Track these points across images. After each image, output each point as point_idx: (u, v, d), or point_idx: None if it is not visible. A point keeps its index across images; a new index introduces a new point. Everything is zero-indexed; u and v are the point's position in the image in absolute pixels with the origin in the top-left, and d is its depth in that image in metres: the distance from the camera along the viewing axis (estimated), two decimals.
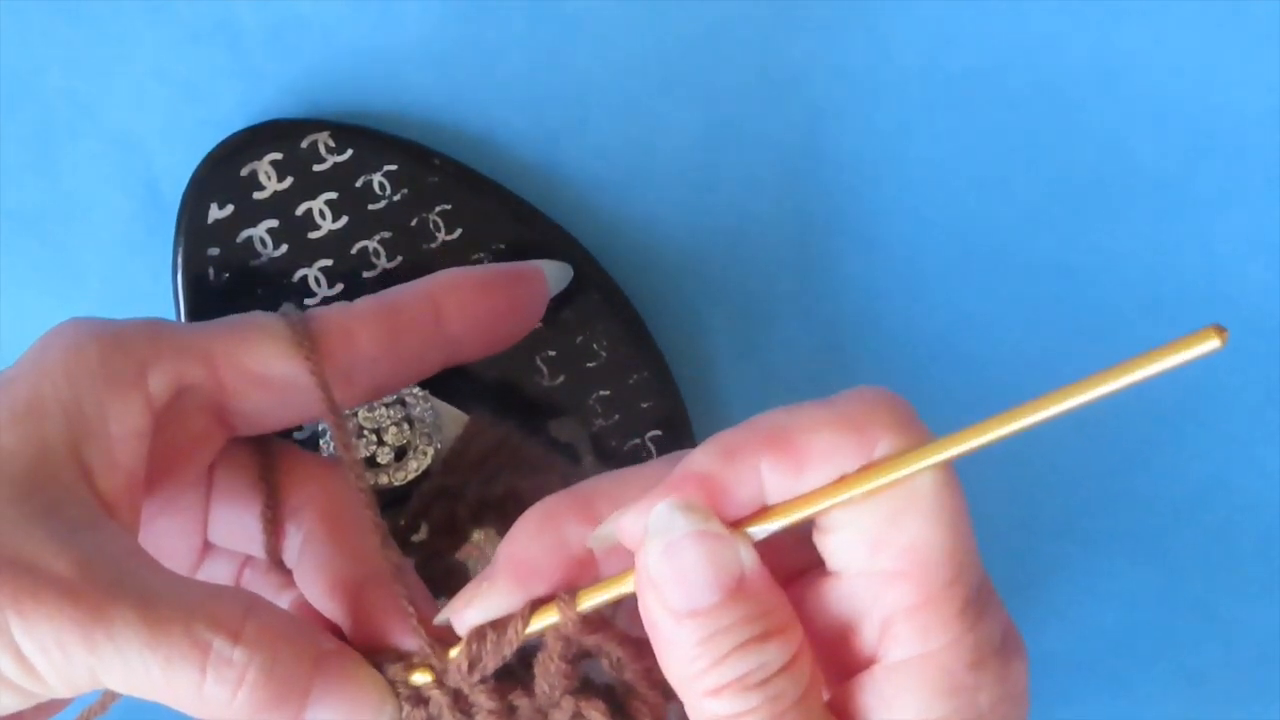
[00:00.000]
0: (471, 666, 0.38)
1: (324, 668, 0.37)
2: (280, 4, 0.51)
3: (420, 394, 0.49)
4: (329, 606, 0.41)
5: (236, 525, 0.43)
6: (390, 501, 0.47)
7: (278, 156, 0.50)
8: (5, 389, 0.38)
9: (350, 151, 0.50)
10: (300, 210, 0.50)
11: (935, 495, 0.33)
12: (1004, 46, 0.52)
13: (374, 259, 0.50)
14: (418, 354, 0.42)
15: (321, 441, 0.49)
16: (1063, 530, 0.55)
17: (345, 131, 0.50)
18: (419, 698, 0.38)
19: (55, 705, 0.39)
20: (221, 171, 0.49)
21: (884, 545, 0.34)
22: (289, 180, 0.50)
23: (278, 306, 0.42)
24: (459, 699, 0.38)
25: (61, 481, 0.37)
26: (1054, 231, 0.53)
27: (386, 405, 0.49)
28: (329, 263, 0.50)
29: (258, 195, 0.50)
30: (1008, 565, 0.55)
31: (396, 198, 0.50)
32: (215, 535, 0.43)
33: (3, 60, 0.51)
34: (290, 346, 0.40)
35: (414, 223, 0.50)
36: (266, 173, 0.50)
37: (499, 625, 0.37)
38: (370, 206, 0.50)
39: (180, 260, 0.50)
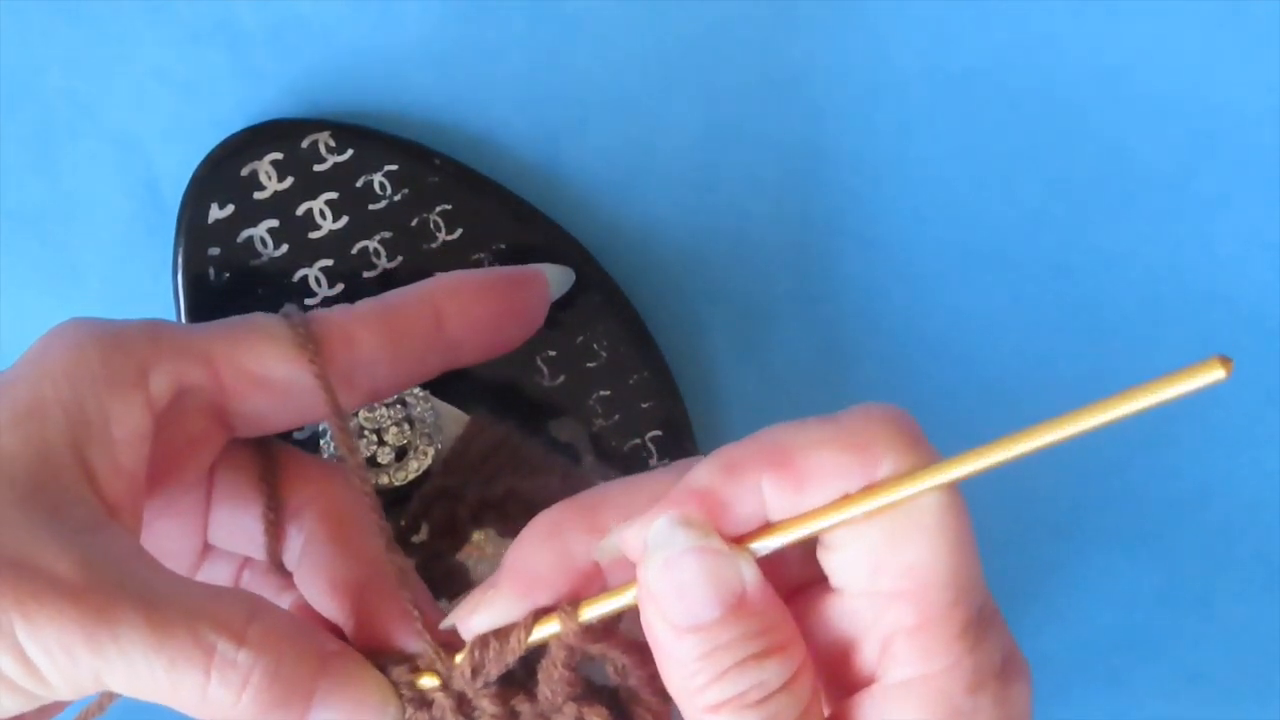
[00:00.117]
0: (475, 673, 0.38)
1: (328, 669, 0.37)
2: (280, 4, 0.51)
3: (421, 394, 0.49)
4: (330, 608, 0.41)
5: (237, 527, 0.43)
6: (390, 502, 0.47)
7: (278, 156, 0.50)
8: (6, 390, 0.38)
9: (351, 151, 0.50)
10: (301, 210, 0.50)
11: (938, 517, 0.33)
12: (1004, 46, 0.52)
13: (374, 259, 0.50)
14: (418, 357, 0.42)
15: (322, 442, 0.49)
16: (1061, 530, 0.56)
17: (346, 131, 0.50)
18: (423, 700, 0.38)
19: (56, 707, 0.39)
20: (222, 171, 0.49)
21: (885, 565, 0.34)
22: (289, 180, 0.50)
23: (278, 307, 0.42)
24: (462, 702, 0.38)
25: (64, 483, 0.36)
26: (1054, 231, 0.53)
27: (387, 405, 0.49)
28: (329, 263, 0.50)
29: (258, 195, 0.50)
30: (1007, 565, 0.55)
31: (397, 198, 0.50)
32: (215, 537, 0.43)
33: (3, 60, 0.51)
34: (291, 348, 0.40)
35: (414, 223, 0.50)
36: (267, 173, 0.50)
37: (502, 634, 0.37)
38: (371, 206, 0.50)
39: (180, 260, 0.50)
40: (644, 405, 0.51)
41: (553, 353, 0.51)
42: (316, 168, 0.50)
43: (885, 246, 0.53)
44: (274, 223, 0.50)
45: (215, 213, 0.49)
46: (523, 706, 0.38)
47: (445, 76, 0.51)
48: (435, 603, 0.41)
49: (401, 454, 0.49)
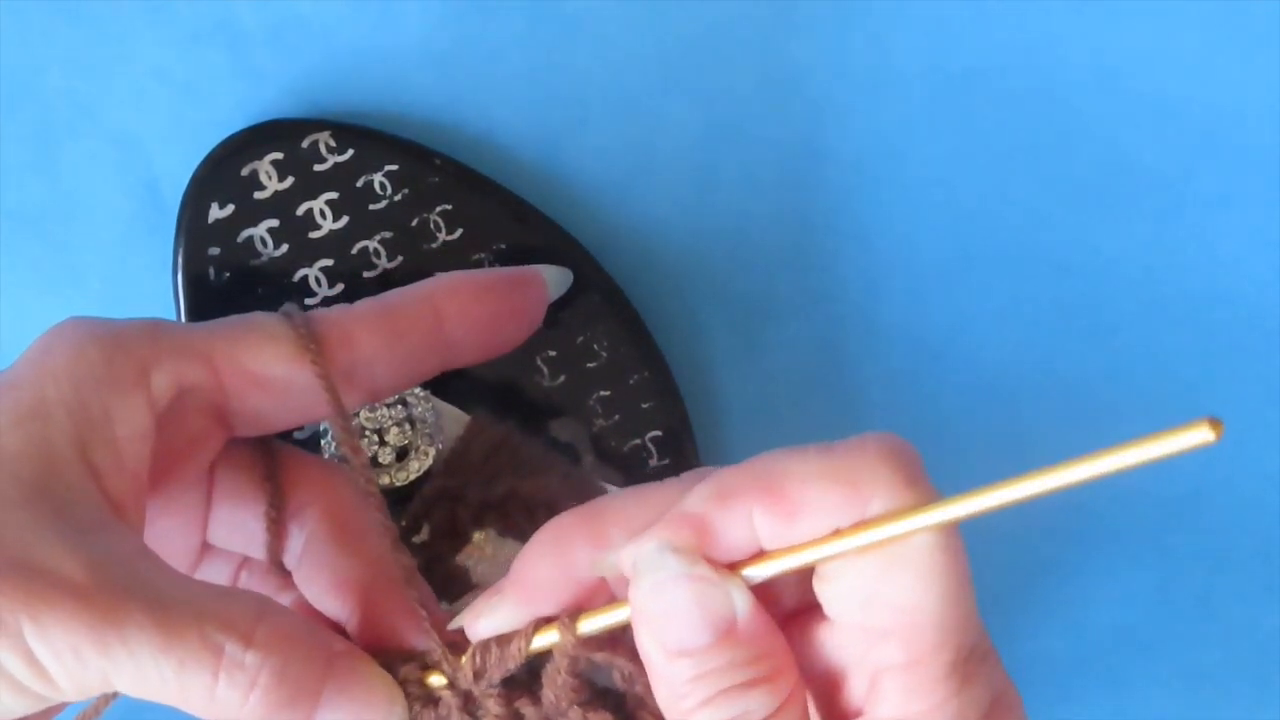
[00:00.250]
0: (477, 676, 0.38)
1: (334, 669, 0.37)
2: (280, 4, 0.51)
3: (422, 394, 0.49)
4: (332, 606, 0.41)
5: (237, 526, 0.43)
6: (392, 502, 0.47)
7: (278, 156, 0.50)
8: (8, 391, 0.37)
9: (351, 151, 0.50)
10: (301, 210, 0.50)
11: (928, 556, 0.33)
12: (1004, 46, 0.52)
13: (374, 259, 0.50)
14: (417, 357, 0.42)
15: (323, 442, 0.49)
16: (1061, 530, 0.56)
17: (346, 131, 0.50)
18: (430, 698, 0.38)
19: (57, 707, 0.39)
20: (222, 171, 0.49)
21: (875, 602, 0.34)
22: (290, 180, 0.50)
23: (278, 306, 0.42)
24: (468, 701, 0.38)
25: (69, 483, 0.36)
26: (1054, 231, 0.53)
27: (388, 405, 0.49)
28: (329, 263, 0.50)
29: (258, 195, 0.50)
30: (1007, 565, 0.55)
31: (397, 198, 0.50)
32: (215, 536, 0.43)
33: (3, 60, 0.51)
34: (291, 348, 0.40)
35: (414, 223, 0.50)
36: (267, 172, 0.50)
37: (504, 640, 0.37)
38: (371, 206, 0.50)
39: (180, 260, 0.50)
40: (644, 405, 0.51)
41: (553, 353, 0.51)
42: (317, 168, 0.50)
43: (885, 246, 0.53)
44: (274, 222, 0.50)
45: (215, 213, 0.49)
46: (528, 709, 0.38)
47: (445, 76, 0.51)
48: (439, 603, 0.41)
49: (403, 454, 0.49)
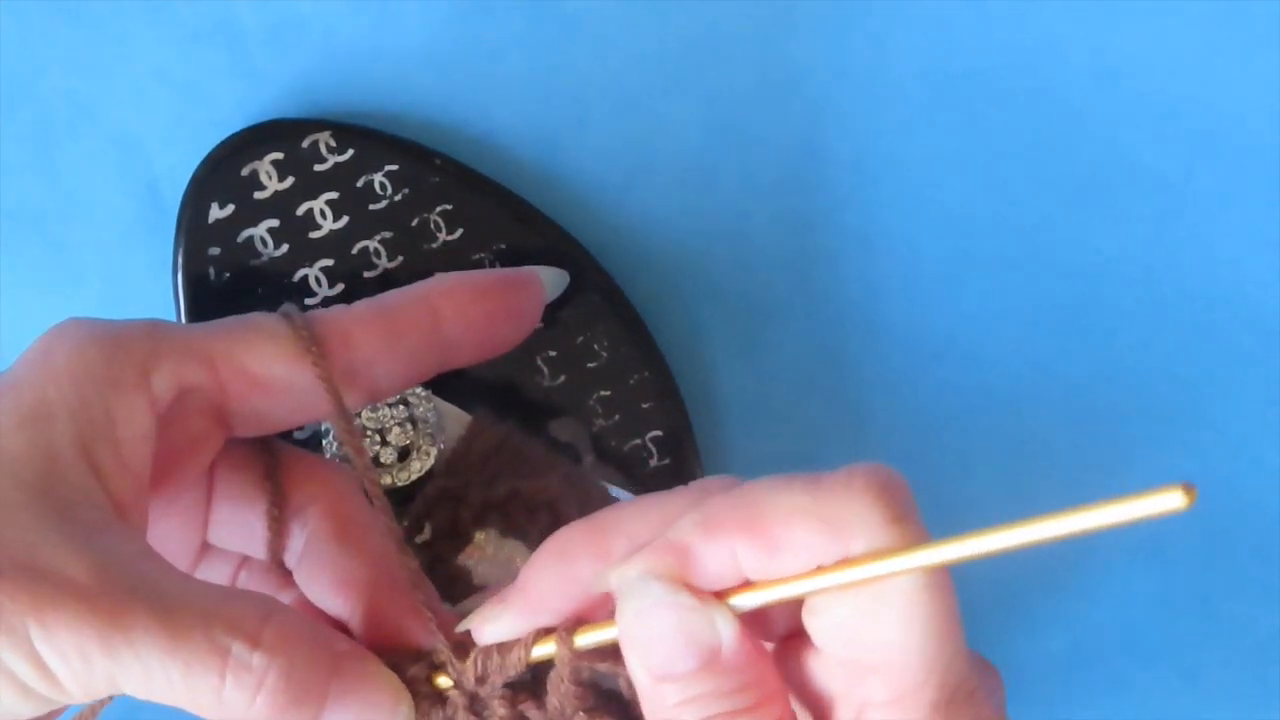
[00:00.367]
0: (480, 680, 0.38)
1: (340, 670, 0.37)
2: (280, 4, 0.51)
3: (423, 394, 0.49)
4: (334, 605, 0.41)
5: (238, 525, 0.43)
6: (394, 501, 0.47)
7: (279, 156, 0.50)
8: (9, 393, 0.37)
9: (351, 151, 0.50)
10: (301, 210, 0.50)
11: (912, 596, 0.33)
12: (1004, 47, 0.52)
13: (375, 259, 0.50)
14: (416, 358, 0.42)
15: (325, 442, 0.49)
16: None
17: (346, 131, 0.50)
18: (437, 697, 0.38)
19: (60, 710, 0.39)
20: (222, 171, 0.49)
21: (858, 638, 0.33)
22: (290, 180, 0.50)
23: (279, 307, 0.42)
24: (474, 701, 0.38)
25: (72, 485, 0.36)
26: (1054, 231, 0.53)
27: (390, 405, 0.49)
28: (330, 263, 0.50)
29: (258, 195, 0.50)
30: (1008, 565, 0.55)
31: (397, 198, 0.50)
32: (215, 536, 0.43)
33: (3, 60, 0.51)
34: (291, 349, 0.40)
35: (415, 223, 0.50)
36: (267, 172, 0.50)
37: (505, 648, 0.37)
38: (371, 206, 0.50)
39: (181, 260, 0.50)
40: (644, 405, 0.51)
41: (553, 353, 0.51)
42: (317, 167, 0.50)
43: (885, 247, 0.53)
44: (274, 222, 0.50)
45: (215, 213, 0.49)
46: (533, 713, 0.38)
47: (445, 76, 0.51)
48: (443, 603, 0.41)
49: (404, 454, 0.49)
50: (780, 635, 0.36)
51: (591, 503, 0.47)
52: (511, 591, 0.37)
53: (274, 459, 0.42)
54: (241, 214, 0.50)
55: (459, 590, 0.45)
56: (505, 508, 0.45)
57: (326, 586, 0.41)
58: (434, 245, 0.50)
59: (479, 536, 0.46)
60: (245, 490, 0.42)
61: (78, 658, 0.34)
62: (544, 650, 0.37)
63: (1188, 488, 0.28)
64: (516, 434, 0.48)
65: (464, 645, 0.38)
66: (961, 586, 0.56)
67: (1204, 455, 0.54)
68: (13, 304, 0.52)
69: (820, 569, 0.33)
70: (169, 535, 0.42)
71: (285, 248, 0.50)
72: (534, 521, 0.46)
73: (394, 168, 0.50)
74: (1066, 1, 0.51)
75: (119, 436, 0.37)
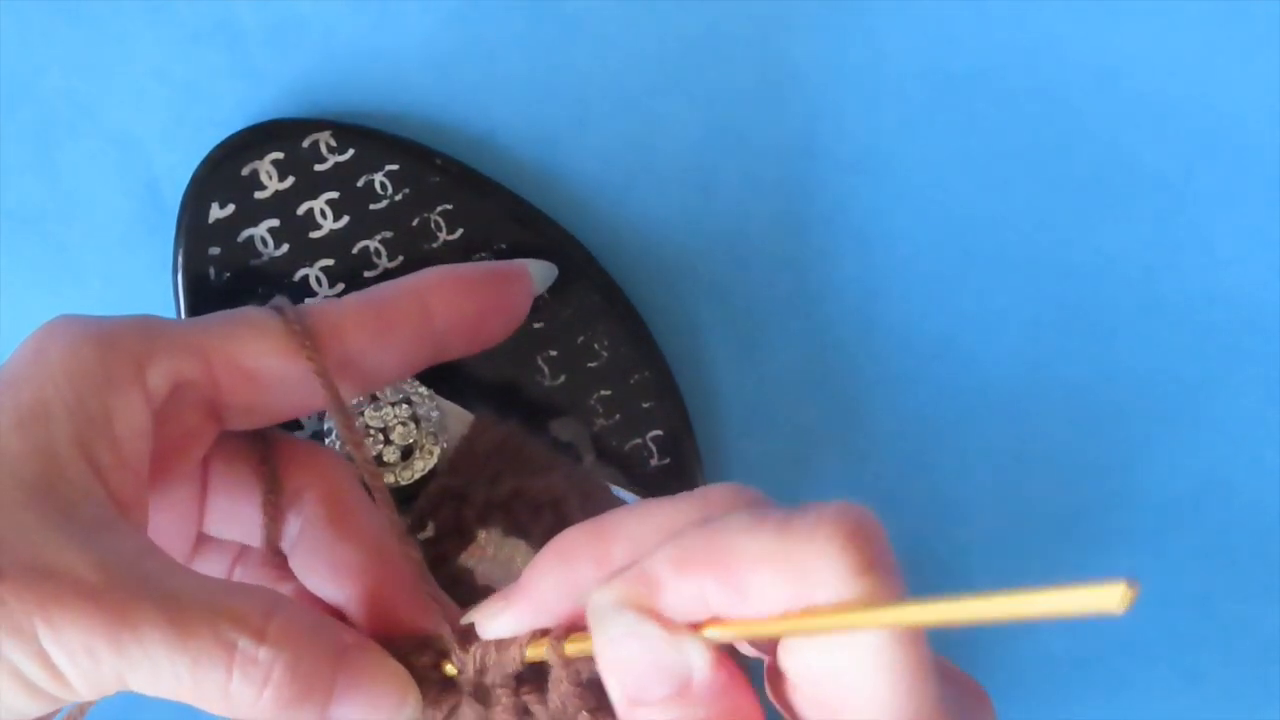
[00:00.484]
0: (479, 674, 0.38)
1: (346, 662, 0.37)
2: (280, 4, 0.51)
3: (426, 393, 0.49)
4: (330, 591, 0.41)
5: (233, 515, 0.43)
6: (397, 501, 0.47)
7: (279, 156, 0.50)
8: (5, 392, 0.37)
9: (352, 151, 0.50)
10: (301, 210, 0.50)
11: (879, 647, 0.32)
12: (1004, 47, 0.52)
13: (375, 259, 0.50)
14: (407, 350, 0.42)
15: (327, 441, 0.49)
16: (1061, 530, 0.56)
17: (347, 131, 0.50)
18: (445, 683, 0.39)
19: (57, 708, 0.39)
20: (222, 171, 0.49)
21: (825, 684, 0.33)
22: (290, 180, 0.50)
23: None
24: (479, 689, 0.38)
25: (73, 483, 0.36)
26: (1054, 231, 0.53)
27: (393, 405, 0.49)
28: (330, 262, 0.50)
29: (259, 195, 0.50)
30: (1008, 565, 0.55)
31: (398, 197, 0.50)
32: (211, 527, 0.43)
33: (3, 60, 0.51)
34: (284, 342, 0.40)
35: (415, 223, 0.50)
36: (268, 172, 0.50)
37: (503, 645, 0.37)
38: (372, 206, 0.50)
39: (181, 260, 0.50)
40: (644, 405, 0.51)
41: (553, 352, 0.51)
42: (317, 167, 0.50)
43: (885, 247, 0.53)
44: (274, 222, 0.50)
45: (215, 212, 0.49)
46: (537, 707, 0.38)
47: (445, 76, 0.51)
48: (444, 593, 0.41)
49: (408, 453, 0.49)
50: (772, 662, 0.36)
51: (594, 502, 0.48)
52: (513, 590, 0.37)
53: (268, 447, 0.42)
54: (242, 214, 0.50)
55: (461, 588, 0.45)
56: (508, 506, 0.45)
57: (323, 572, 0.41)
58: (434, 245, 0.50)
59: (481, 535, 0.46)
60: (240, 479, 0.42)
61: (85, 656, 0.34)
62: (538, 653, 0.37)
63: (1129, 585, 0.27)
64: (519, 433, 0.48)
65: (468, 635, 0.38)
66: (962, 586, 0.56)
67: (1204, 455, 0.54)
68: (13, 304, 0.52)
69: (786, 615, 0.32)
70: (165, 529, 0.42)
71: (285, 247, 0.50)
72: (537, 520, 0.46)
73: (394, 167, 0.50)
74: (1066, 1, 0.51)
75: (117, 434, 0.37)
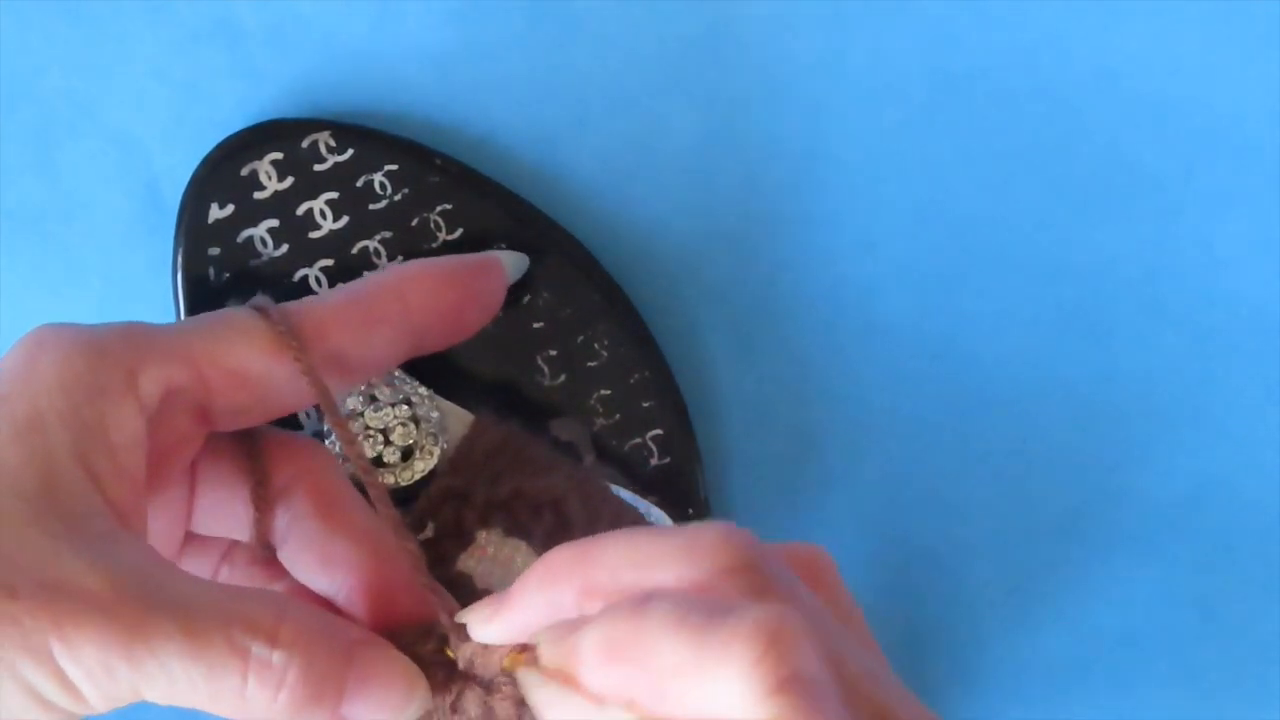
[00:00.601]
0: (468, 670, 0.38)
1: (356, 659, 0.37)
2: (280, 4, 0.51)
3: (426, 394, 0.49)
4: (321, 583, 0.41)
5: (221, 512, 0.42)
6: (397, 501, 0.47)
7: (278, 156, 0.50)
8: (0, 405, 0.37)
9: (351, 151, 0.50)
10: (301, 210, 0.50)
11: None
12: (1004, 47, 0.52)
13: (375, 259, 0.50)
14: (388, 345, 0.42)
15: (326, 442, 0.49)
16: (1061, 530, 0.56)
17: (346, 131, 0.50)
18: (450, 666, 0.39)
19: None
20: (222, 171, 0.49)
21: None
22: (290, 180, 0.50)
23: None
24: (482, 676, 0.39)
25: (74, 494, 0.36)
26: (1054, 231, 0.53)
27: (392, 405, 0.49)
28: (330, 262, 0.50)
29: (258, 195, 0.50)
30: (1007, 565, 0.55)
31: (397, 197, 0.50)
32: (199, 524, 0.43)
33: (3, 60, 0.51)
34: (269, 342, 0.40)
35: (415, 223, 0.50)
36: (267, 172, 0.50)
37: (489, 650, 0.38)
38: (371, 206, 0.50)
39: (180, 260, 0.50)
40: (644, 404, 0.51)
41: (553, 352, 0.51)
42: (317, 167, 0.50)
43: (885, 247, 0.53)
44: (274, 223, 0.50)
45: (215, 213, 0.49)
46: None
47: (445, 76, 0.51)
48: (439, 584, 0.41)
49: (408, 454, 0.49)
50: None
51: (594, 502, 0.47)
52: (501, 603, 0.37)
53: (255, 442, 0.42)
54: (241, 214, 0.50)
55: (461, 589, 0.45)
56: (509, 507, 0.45)
57: (314, 565, 0.41)
58: (434, 245, 0.50)
59: (481, 536, 0.46)
60: (226, 476, 0.42)
61: (101, 670, 0.34)
62: (516, 665, 0.37)
63: None
64: (519, 433, 0.48)
65: (463, 627, 0.39)
66: (962, 586, 0.57)
67: (1204, 455, 0.54)
68: (13, 304, 0.52)
69: None
70: (155, 531, 0.42)
71: (285, 248, 0.50)
72: (537, 521, 0.46)
73: (394, 168, 0.50)
74: (1066, 1, 0.51)
75: (113, 443, 0.37)
